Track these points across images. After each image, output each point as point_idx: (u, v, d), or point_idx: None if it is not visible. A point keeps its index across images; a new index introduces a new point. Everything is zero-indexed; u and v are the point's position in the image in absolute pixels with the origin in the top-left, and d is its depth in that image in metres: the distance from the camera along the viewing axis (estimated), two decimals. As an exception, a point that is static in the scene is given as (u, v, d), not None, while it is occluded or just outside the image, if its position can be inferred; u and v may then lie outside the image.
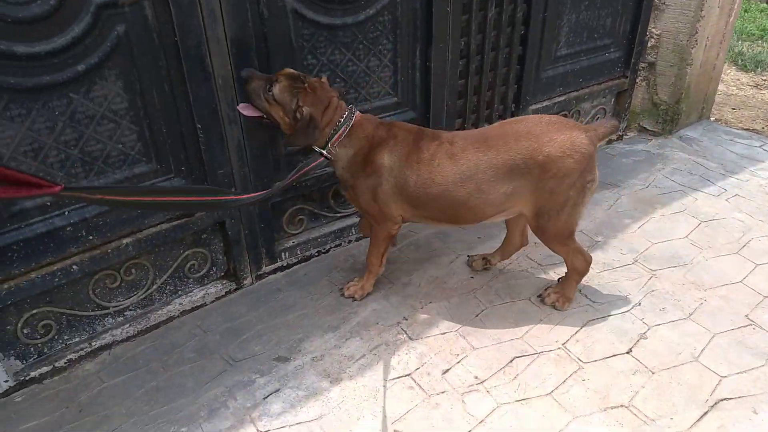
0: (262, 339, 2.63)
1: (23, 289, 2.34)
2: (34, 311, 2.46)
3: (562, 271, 2.86)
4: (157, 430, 2.18)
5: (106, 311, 2.71)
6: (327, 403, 2.29)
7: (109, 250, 2.52)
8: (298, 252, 3.21)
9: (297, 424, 2.20)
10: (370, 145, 2.47)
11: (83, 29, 2.15)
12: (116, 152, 2.42)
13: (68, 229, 2.40)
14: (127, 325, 2.75)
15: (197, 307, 2.92)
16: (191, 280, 2.94)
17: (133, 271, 2.69)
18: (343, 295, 2.85)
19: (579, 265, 2.64)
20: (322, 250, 3.30)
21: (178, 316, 2.87)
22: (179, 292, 2.92)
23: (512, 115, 3.76)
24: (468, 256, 3.10)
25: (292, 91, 2.37)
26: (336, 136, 2.47)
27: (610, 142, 4.54)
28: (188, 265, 2.89)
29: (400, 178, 2.46)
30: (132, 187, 2.38)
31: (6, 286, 2.30)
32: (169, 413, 2.25)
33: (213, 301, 2.97)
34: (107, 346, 2.68)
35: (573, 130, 2.37)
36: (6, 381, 2.47)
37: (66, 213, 2.38)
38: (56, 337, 2.60)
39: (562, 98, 4.04)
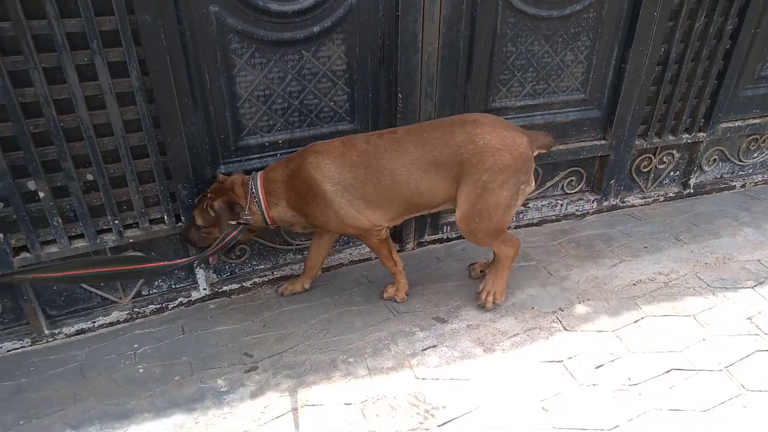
0: (422, 298, 2.82)
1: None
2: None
3: (745, 294, 2.74)
4: (329, 354, 2.45)
5: (290, 247, 3.05)
6: (478, 368, 2.42)
7: (305, 194, 2.83)
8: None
9: (450, 379, 2.36)
10: (291, 180, 2.39)
11: (326, -5, 2.44)
12: (327, 108, 2.72)
13: (277, 168, 2.73)
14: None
15: (364, 260, 3.19)
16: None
17: (318, 216, 3.00)
18: (383, 298, 2.84)
19: (510, 251, 2.61)
20: (482, 232, 3.42)
21: (347, 264, 3.15)
22: (350, 243, 3.20)
23: (700, 130, 3.61)
24: (469, 265, 3.06)
25: (203, 209, 2.41)
26: (263, 203, 2.43)
27: None
28: (362, 221, 3.15)
29: (347, 179, 2.34)
30: (62, 264, 2.33)
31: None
32: (339, 343, 2.52)
33: (377, 258, 3.22)
34: (285, 278, 3.03)
35: (516, 131, 2.41)
36: (204, 289, 2.89)
37: (277, 155, 2.71)
38: (247, 261, 2.99)
39: (757, 120, 3.79)
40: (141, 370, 2.39)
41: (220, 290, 2.92)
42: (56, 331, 2.64)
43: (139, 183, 2.46)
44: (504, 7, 2.77)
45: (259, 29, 2.39)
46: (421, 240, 3.32)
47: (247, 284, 2.97)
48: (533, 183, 2.53)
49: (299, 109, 2.65)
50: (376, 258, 3.20)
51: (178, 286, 2.88)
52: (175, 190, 2.54)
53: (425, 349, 2.51)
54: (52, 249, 2.45)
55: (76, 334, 2.67)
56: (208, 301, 2.89)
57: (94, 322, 2.70)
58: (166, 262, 2.36)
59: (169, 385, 2.31)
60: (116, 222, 2.49)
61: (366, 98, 2.76)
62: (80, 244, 2.49)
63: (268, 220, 2.47)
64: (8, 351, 2.58)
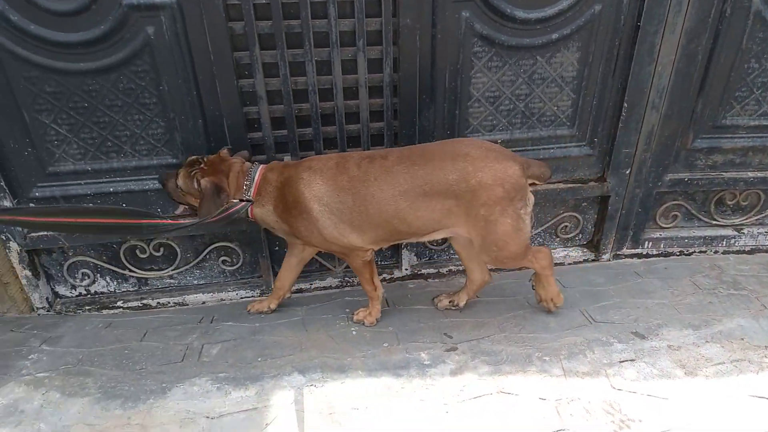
0: (620, 311, 2.80)
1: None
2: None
3: None
4: (524, 349, 2.56)
5: (488, 241, 3.19)
6: (678, 389, 2.37)
7: (513, 193, 2.94)
8: (662, 245, 3.26)
9: (647, 395, 2.34)
10: (282, 188, 2.35)
11: (569, 4, 2.50)
12: (550, 113, 2.79)
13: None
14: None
15: (556, 264, 3.21)
16: (558, 239, 3.25)
17: (520, 215, 3.10)
18: (353, 320, 2.76)
19: (544, 260, 2.62)
20: (685, 252, 3.28)
21: (539, 266, 3.21)
22: (546, 246, 3.25)
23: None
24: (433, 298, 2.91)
25: (190, 175, 2.35)
26: (233, 208, 2.34)
27: None
28: (561, 226, 3.19)
29: (334, 203, 2.32)
30: (53, 207, 2.32)
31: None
32: (534, 341, 2.61)
33: (570, 264, 3.25)
34: (480, 270, 3.17)
35: (508, 161, 2.33)
36: (406, 269, 3.14)
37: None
38: (444, 250, 3.18)
39: None
40: (354, 333, 2.68)
41: (419, 272, 3.16)
42: (281, 286, 3.05)
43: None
44: (755, 21, 2.62)
45: (501, 35, 2.53)
46: (618, 252, 3.27)
47: (444, 270, 3.17)
48: (531, 201, 2.46)
49: (522, 112, 2.76)
50: (569, 264, 3.24)
51: (383, 263, 3.16)
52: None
53: (623, 362, 2.51)
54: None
55: (296, 293, 3.06)
56: (408, 281, 3.14)
57: (311, 284, 3.07)
58: (168, 221, 2.22)
59: (379, 350, 2.57)
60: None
61: (590, 105, 2.78)
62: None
63: (249, 214, 2.44)
64: (242, 298, 3.04)
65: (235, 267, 3.00)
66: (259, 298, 2.97)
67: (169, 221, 2.20)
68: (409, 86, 2.54)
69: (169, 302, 2.95)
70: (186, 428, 2.14)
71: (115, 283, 2.92)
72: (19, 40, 2.24)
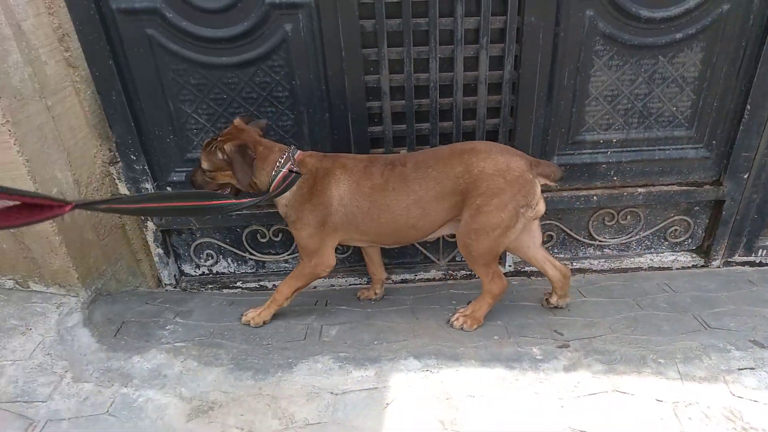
0: (736, 318, 2.73)
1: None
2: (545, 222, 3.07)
3: None
4: (638, 350, 2.54)
5: (593, 242, 3.18)
6: (804, 402, 2.29)
7: (624, 193, 2.93)
8: (776, 254, 3.15)
9: (770, 405, 2.28)
10: (315, 178, 2.38)
11: (696, 3, 2.48)
12: (668, 113, 2.76)
13: (603, 166, 2.87)
14: (603, 260, 3.18)
15: (663, 269, 3.18)
16: (667, 243, 3.19)
17: (628, 217, 3.07)
18: (241, 318, 2.71)
19: (495, 288, 2.58)
20: (803, 263, 3.16)
21: (645, 270, 3.17)
22: (652, 250, 3.21)
23: None
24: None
25: (211, 152, 2.34)
26: (280, 176, 2.36)
27: None
28: (671, 229, 3.13)
29: (352, 206, 2.39)
30: (141, 195, 2.45)
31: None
32: (647, 343, 2.59)
33: (678, 269, 3.18)
34: (583, 270, 3.17)
35: (513, 155, 2.34)
36: (509, 266, 3.17)
37: (608, 153, 2.85)
38: (552, 247, 3.19)
39: None
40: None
41: (522, 269, 3.18)
42: (388, 276, 3.15)
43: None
44: None
45: (623, 33, 2.53)
46: (729, 259, 3.18)
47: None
48: (540, 206, 2.41)
49: (640, 111, 2.74)
50: (677, 269, 3.17)
51: (486, 258, 3.20)
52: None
53: (741, 369, 2.45)
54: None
55: (401, 282, 3.16)
56: (511, 278, 3.17)
57: (416, 275, 3.16)
58: (234, 201, 2.19)
59: (490, 342, 2.62)
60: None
61: (710, 107, 2.73)
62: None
63: (259, 187, 2.44)
64: (350, 284, 3.17)
65: (345, 255, 3.13)
66: (365, 286, 3.09)
67: (234, 200, 2.20)
68: (528, 83, 2.58)
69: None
70: (313, 402, 2.27)
71: (235, 264, 3.12)
72: (171, 35, 2.45)
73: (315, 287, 3.15)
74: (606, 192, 2.93)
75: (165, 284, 3.08)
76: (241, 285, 3.10)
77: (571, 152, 2.84)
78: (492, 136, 2.74)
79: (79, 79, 2.58)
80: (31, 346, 2.55)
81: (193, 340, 2.57)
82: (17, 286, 2.81)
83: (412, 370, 2.42)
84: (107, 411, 2.27)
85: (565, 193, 2.91)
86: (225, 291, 3.09)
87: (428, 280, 3.17)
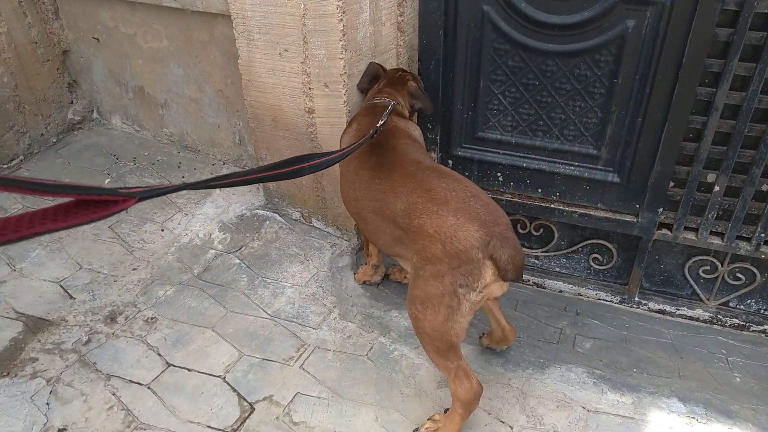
0: None
1: None
2: None
3: None
4: None
5: None
6: None
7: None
8: None
9: None
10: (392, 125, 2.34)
11: None
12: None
13: None
14: None
15: None
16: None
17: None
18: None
19: (462, 393, 1.92)
20: None
21: None
22: None
23: None
24: None
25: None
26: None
27: None
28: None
29: (360, 183, 2.18)
30: (250, 170, 1.90)
31: None
32: None
33: None
34: None
35: (471, 223, 1.78)
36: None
37: None
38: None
39: None
40: (737, 380, 2.45)
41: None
42: (643, 301, 2.92)
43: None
44: None
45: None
46: None
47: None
48: (493, 290, 1.85)
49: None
50: None
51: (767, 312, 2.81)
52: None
53: None
54: (689, 235, 2.67)
55: (657, 312, 2.91)
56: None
57: (677, 309, 2.88)
58: (329, 156, 1.91)
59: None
60: (762, 234, 2.53)
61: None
62: (714, 240, 2.64)
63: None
64: (599, 299, 3.00)
65: (603, 267, 2.96)
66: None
67: (333, 155, 1.93)
68: None
69: (528, 280, 3.07)
70: (563, 410, 2.21)
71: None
72: (505, 14, 2.45)
73: (561, 291, 3.05)
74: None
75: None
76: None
77: None
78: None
79: (402, 44, 2.73)
80: (307, 276, 2.84)
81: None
82: (302, 218, 3.13)
83: (675, 413, 2.24)
84: (366, 354, 2.45)
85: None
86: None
87: (690, 318, 2.88)
